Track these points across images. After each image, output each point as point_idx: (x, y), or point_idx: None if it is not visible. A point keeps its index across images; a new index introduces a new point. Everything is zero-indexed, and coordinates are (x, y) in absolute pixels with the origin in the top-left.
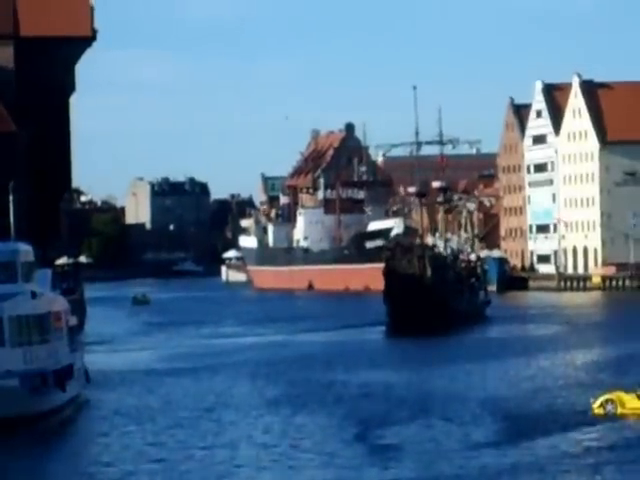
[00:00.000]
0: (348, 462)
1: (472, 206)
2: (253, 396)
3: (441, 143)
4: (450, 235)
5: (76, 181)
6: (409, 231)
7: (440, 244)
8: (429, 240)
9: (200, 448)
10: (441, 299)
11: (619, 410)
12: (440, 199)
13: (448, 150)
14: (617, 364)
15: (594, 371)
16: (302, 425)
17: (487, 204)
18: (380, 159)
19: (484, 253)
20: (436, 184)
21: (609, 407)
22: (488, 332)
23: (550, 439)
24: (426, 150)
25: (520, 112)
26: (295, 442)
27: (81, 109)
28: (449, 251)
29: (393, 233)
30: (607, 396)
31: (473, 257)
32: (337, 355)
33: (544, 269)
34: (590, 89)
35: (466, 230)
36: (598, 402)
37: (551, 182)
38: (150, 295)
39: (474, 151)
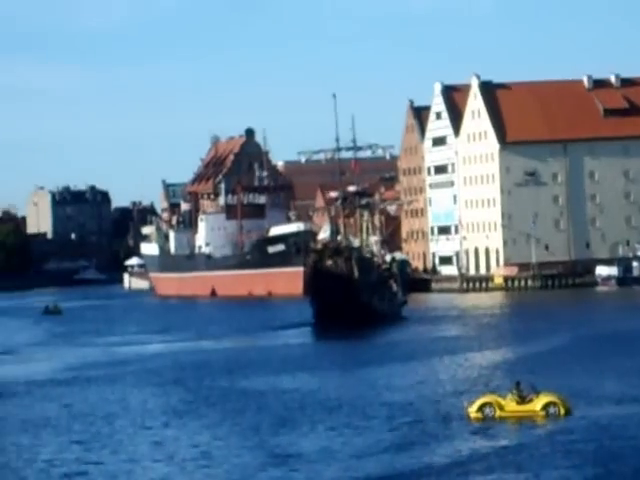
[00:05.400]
0: (244, 471)
1: (393, 209)
2: (158, 405)
3: (356, 148)
4: (353, 238)
5: None
6: (311, 234)
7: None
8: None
9: (94, 463)
10: (367, 300)
11: (498, 413)
12: (358, 203)
13: (363, 155)
14: (517, 365)
15: (492, 373)
16: (206, 434)
17: (395, 207)
18: (280, 163)
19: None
20: (352, 188)
21: (487, 411)
22: (406, 333)
23: (440, 445)
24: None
25: (420, 114)
26: (196, 451)
27: None
28: (368, 254)
29: (320, 237)
30: (484, 399)
31: (388, 258)
32: (254, 360)
33: (446, 270)
34: (489, 90)
35: (368, 233)
36: (475, 406)
37: (452, 184)
38: (61, 305)
39: (388, 156)
